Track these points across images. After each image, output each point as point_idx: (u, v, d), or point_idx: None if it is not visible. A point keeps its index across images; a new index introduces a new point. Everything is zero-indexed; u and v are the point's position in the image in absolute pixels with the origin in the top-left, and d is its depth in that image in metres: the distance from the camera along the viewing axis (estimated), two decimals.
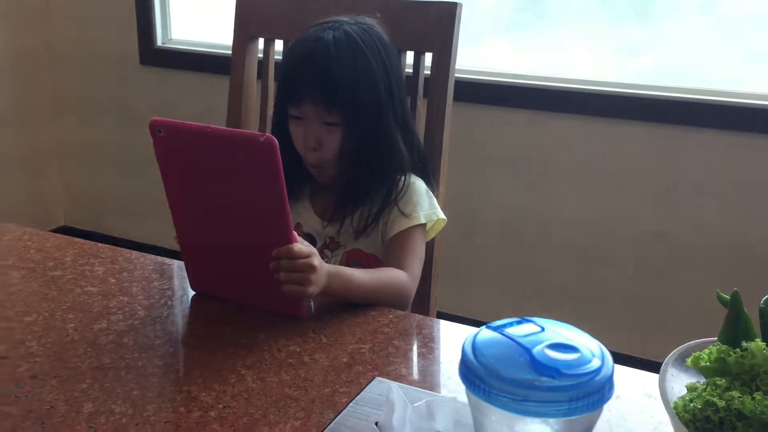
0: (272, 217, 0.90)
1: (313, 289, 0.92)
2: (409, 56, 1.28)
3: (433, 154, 1.24)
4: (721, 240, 1.88)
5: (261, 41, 1.38)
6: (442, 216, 1.16)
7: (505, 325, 0.51)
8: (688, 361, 0.70)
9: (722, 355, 0.68)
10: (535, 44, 2.08)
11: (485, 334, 0.51)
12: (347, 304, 0.99)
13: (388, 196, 1.12)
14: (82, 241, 1.17)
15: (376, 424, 0.65)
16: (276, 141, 0.83)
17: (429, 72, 1.26)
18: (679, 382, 0.68)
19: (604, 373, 0.47)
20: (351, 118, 1.07)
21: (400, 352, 0.87)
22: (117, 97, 2.65)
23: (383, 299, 0.99)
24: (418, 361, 0.88)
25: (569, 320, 0.58)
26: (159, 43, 2.53)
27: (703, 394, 0.66)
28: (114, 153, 2.72)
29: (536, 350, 0.48)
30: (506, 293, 2.17)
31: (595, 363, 0.48)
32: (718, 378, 0.67)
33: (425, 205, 1.14)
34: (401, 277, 1.05)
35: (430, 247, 1.25)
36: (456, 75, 2.16)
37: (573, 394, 0.45)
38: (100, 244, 1.16)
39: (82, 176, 2.83)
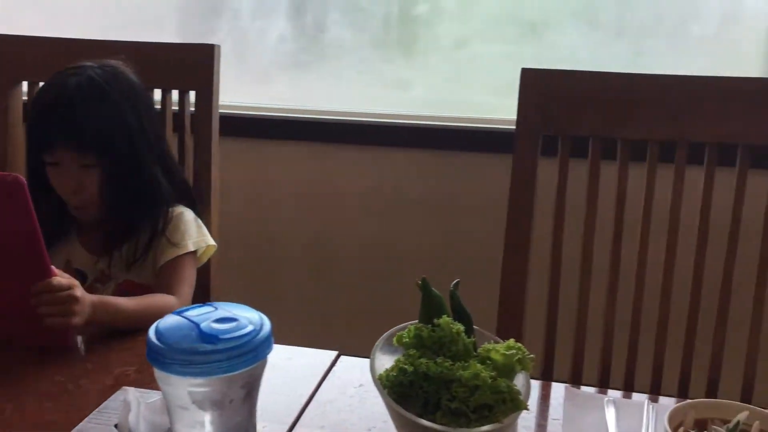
0: (28, 255, 0.93)
1: (77, 320, 0.96)
2: (174, 95, 1.36)
3: (203, 185, 1.33)
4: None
5: (25, 84, 1.40)
6: (212, 242, 1.25)
7: (185, 310, 0.61)
8: (394, 340, 0.84)
9: (418, 331, 0.82)
10: (318, 81, 2.24)
11: (168, 319, 0.61)
12: (117, 331, 1.04)
13: (156, 227, 1.19)
14: None
15: (116, 426, 0.71)
16: (22, 179, 0.88)
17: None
18: (392, 361, 0.82)
19: (258, 336, 0.59)
20: (106, 158, 1.12)
21: None
22: None
23: (152, 324, 1.05)
24: None
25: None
26: None
27: (399, 364, 0.79)
28: None
29: (203, 324, 0.59)
30: (312, 317, 2.27)
31: (249, 328, 0.59)
32: (411, 350, 0.80)
33: (193, 233, 1.22)
34: (169, 302, 1.12)
35: (206, 274, 1.33)
36: (243, 112, 2.25)
37: (230, 354, 0.57)
38: None
39: None
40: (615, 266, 1.11)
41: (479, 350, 0.82)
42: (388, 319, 0.87)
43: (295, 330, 2.26)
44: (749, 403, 1.04)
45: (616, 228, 1.11)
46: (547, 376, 1.15)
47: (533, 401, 0.99)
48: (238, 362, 0.57)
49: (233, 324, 0.58)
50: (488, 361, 0.80)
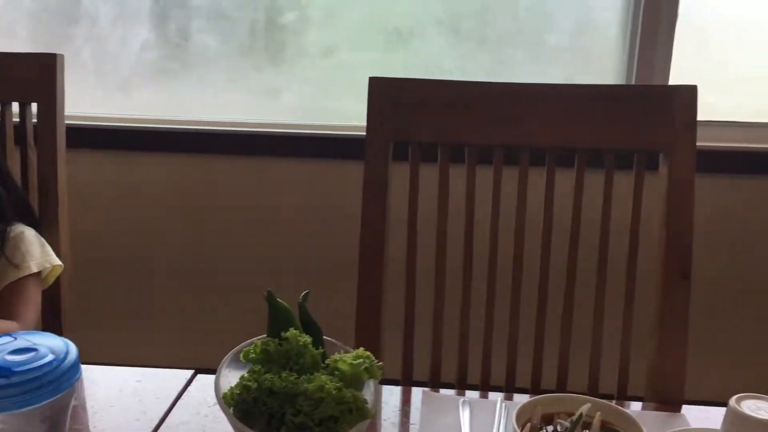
0: None
1: None
2: (15, 107, 1.28)
3: (50, 201, 1.26)
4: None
5: None
6: (58, 262, 1.18)
7: None
8: (241, 356, 0.82)
9: (265, 346, 0.80)
10: (185, 90, 2.17)
11: None
12: None
13: None
14: None
15: None
16: None
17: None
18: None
19: (60, 367, 0.56)
20: None
21: None
22: None
23: None
24: None
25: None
26: None
27: (243, 381, 0.77)
28: None
29: None
30: (184, 332, 2.20)
31: (49, 358, 0.56)
32: (256, 365, 0.79)
33: (36, 253, 1.15)
34: (10, 327, 1.05)
35: (56, 294, 1.25)
36: (101, 123, 2.15)
37: (25, 387, 0.53)
38: None
39: None
40: (468, 267, 1.14)
41: (327, 361, 0.81)
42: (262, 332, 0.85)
43: (162, 348, 2.20)
44: (596, 395, 1.10)
45: (466, 230, 1.14)
46: (407, 381, 1.16)
47: (393, 408, 1.00)
48: (35, 396, 0.54)
49: (31, 355, 0.55)
50: (336, 372, 0.80)
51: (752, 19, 2.05)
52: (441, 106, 1.11)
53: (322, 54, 2.16)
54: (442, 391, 1.06)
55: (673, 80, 2.03)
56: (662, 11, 1.99)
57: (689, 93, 1.06)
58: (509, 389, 1.15)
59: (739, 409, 0.80)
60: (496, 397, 1.03)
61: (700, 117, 2.19)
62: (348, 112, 2.11)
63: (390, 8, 2.12)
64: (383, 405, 1.02)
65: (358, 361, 0.81)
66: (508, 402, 1.01)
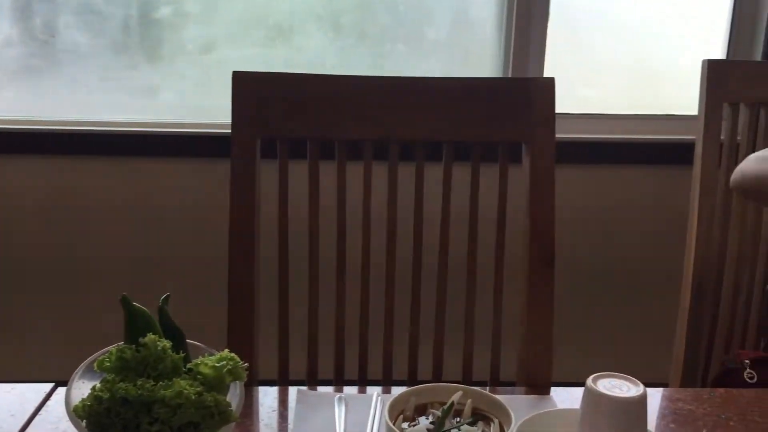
0: None
1: None
2: None
3: None
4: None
5: None
6: None
7: None
8: (95, 365, 0.78)
9: (121, 353, 0.77)
10: (54, 89, 2.06)
11: None
12: None
13: None
14: None
15: None
16: None
17: None
18: None
19: None
20: None
21: None
22: None
23: None
24: None
25: None
26: None
27: (95, 392, 0.74)
28: None
29: None
30: (58, 341, 2.10)
31: None
32: (109, 375, 0.75)
33: None
34: None
35: None
36: None
37: None
38: None
39: None
40: (341, 264, 1.14)
41: (189, 365, 0.79)
42: None
43: (25, 361, 2.09)
44: (470, 383, 1.12)
45: (339, 227, 1.14)
46: (284, 381, 1.15)
47: (268, 409, 0.99)
48: None
49: None
50: (198, 376, 0.78)
51: (621, 14, 2.15)
52: (308, 101, 1.10)
53: (201, 50, 2.11)
54: (320, 388, 1.05)
55: (548, 74, 2.11)
56: (534, 7, 2.06)
57: (547, 85, 1.10)
58: (387, 383, 1.16)
59: (596, 388, 0.84)
60: (373, 391, 1.04)
61: (572, 109, 2.28)
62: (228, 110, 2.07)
63: (270, 3, 2.09)
64: (258, 407, 1.00)
65: (221, 363, 0.79)
66: (385, 395, 1.01)
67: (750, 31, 2.08)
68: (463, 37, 2.14)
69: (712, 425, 0.95)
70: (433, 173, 1.16)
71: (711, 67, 1.42)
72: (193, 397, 0.74)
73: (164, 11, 2.08)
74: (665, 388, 1.05)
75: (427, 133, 1.12)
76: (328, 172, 1.14)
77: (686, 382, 1.47)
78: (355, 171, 1.14)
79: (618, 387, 0.85)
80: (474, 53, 2.15)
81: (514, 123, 1.10)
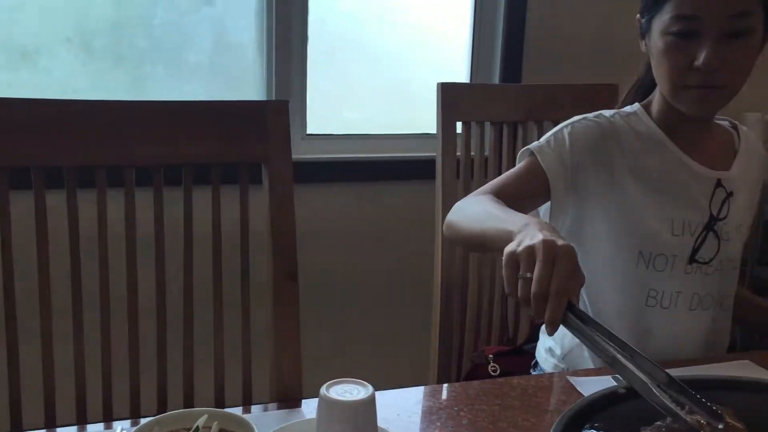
0: None
1: None
2: None
3: None
4: None
5: None
6: None
7: None
8: None
9: None
10: None
11: None
12: None
13: None
14: None
15: None
16: None
17: None
18: None
19: None
20: None
21: None
22: None
23: None
24: None
25: None
26: None
27: None
28: None
29: None
30: None
31: None
32: None
33: None
34: None
35: None
36: None
37: None
38: None
39: None
40: (77, 293, 1.09)
41: None
42: None
43: None
44: (223, 407, 1.11)
45: (72, 258, 1.08)
46: (17, 427, 1.06)
47: None
48: None
49: None
50: None
51: (378, 42, 2.28)
52: (31, 127, 1.03)
53: None
54: (61, 430, 0.99)
55: (310, 97, 2.18)
56: (294, 33, 2.12)
57: (281, 107, 1.13)
58: (135, 416, 1.11)
59: (327, 394, 0.87)
60: (121, 425, 0.99)
61: (332, 130, 2.37)
62: None
63: (11, 25, 1.94)
64: None
65: None
66: (133, 427, 0.98)
67: (488, 57, 2.31)
68: (225, 60, 2.14)
69: (445, 417, 1.02)
70: (174, 196, 1.14)
71: (444, 90, 1.55)
72: None
73: None
74: (409, 388, 1.11)
75: (167, 157, 1.10)
76: (58, 200, 1.08)
77: (442, 379, 1.57)
78: (88, 199, 1.09)
79: (349, 391, 0.89)
80: (237, 76, 2.16)
81: (252, 145, 1.12)
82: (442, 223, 1.52)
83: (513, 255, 0.84)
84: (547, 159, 1.19)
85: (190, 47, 2.11)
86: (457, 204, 1.16)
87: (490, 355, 1.49)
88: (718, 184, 1.23)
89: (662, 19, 1.12)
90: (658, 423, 0.80)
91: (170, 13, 2.06)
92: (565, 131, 1.21)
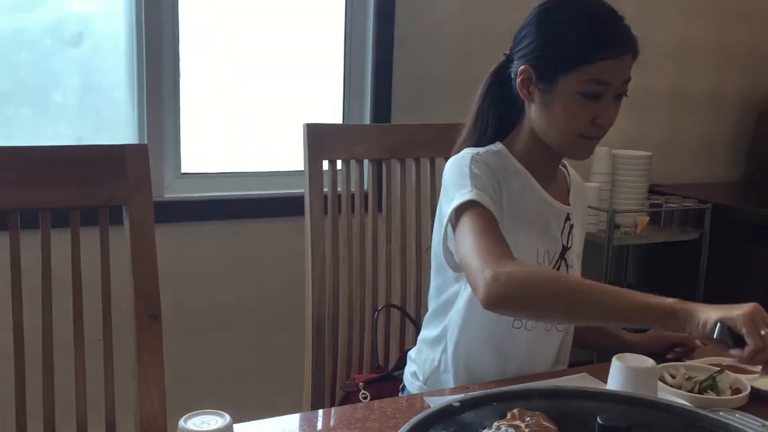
0: None
1: None
2: None
3: None
4: None
5: None
6: None
7: None
8: None
9: None
10: None
11: None
12: None
13: None
14: None
15: None
16: None
17: None
18: None
19: None
20: None
21: None
22: None
23: None
24: None
25: None
26: None
27: None
28: None
29: None
30: None
31: None
32: None
33: None
34: None
35: None
36: None
37: None
38: None
39: None
40: None
41: None
42: None
43: None
44: None
45: None
46: None
47: None
48: None
49: None
50: None
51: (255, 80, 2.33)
52: None
53: None
54: None
55: (184, 140, 2.19)
56: (164, 77, 2.13)
57: (141, 150, 1.16)
58: None
59: (185, 426, 0.89)
60: None
61: (196, 169, 2.38)
62: None
63: None
64: None
65: None
66: None
67: (359, 99, 2.41)
68: (93, 101, 2.12)
69: None
70: (31, 240, 1.14)
71: (310, 130, 1.62)
72: None
73: None
74: (270, 418, 1.13)
75: (23, 201, 1.10)
76: None
77: (316, 408, 1.61)
78: None
79: (207, 422, 0.92)
80: (108, 117, 2.15)
81: (112, 187, 1.14)
82: (312, 257, 1.59)
83: (755, 318, 1.04)
84: (486, 200, 1.22)
85: (57, 87, 2.08)
86: (517, 277, 1.13)
87: (360, 383, 1.54)
88: (568, 217, 1.36)
89: (576, 79, 1.22)
90: (495, 423, 0.87)
91: (34, 55, 2.03)
92: (473, 168, 1.26)
